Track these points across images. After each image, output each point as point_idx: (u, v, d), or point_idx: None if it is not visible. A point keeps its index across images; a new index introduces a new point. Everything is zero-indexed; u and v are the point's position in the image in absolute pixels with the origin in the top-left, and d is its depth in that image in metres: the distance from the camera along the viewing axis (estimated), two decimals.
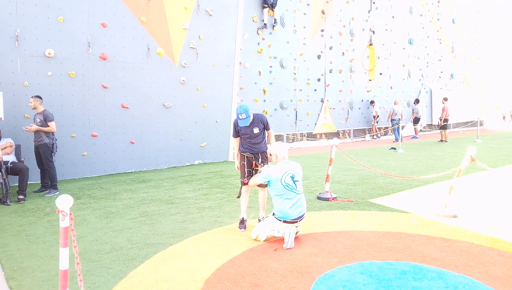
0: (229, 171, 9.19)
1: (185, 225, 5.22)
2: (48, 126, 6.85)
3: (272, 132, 5.27)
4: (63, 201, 2.62)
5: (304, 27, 14.46)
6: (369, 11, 16.93)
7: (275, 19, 13.37)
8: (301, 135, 15.09)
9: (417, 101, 17.67)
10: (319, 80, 15.09)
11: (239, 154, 5.15)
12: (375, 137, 17.23)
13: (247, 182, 5.00)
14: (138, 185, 7.74)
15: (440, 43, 21.31)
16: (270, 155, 4.87)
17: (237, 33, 10.89)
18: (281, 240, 4.52)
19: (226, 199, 6.61)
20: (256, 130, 4.96)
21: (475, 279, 3.54)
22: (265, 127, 5.09)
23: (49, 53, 7.94)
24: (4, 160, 6.55)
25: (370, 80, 17.32)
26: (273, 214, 4.63)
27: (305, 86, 14.66)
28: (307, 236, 4.72)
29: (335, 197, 6.49)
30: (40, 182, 7.33)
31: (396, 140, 15.05)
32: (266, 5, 12.97)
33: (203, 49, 10.22)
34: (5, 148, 6.79)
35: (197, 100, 10.24)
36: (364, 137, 17.15)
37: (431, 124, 21.16)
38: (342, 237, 4.68)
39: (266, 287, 3.43)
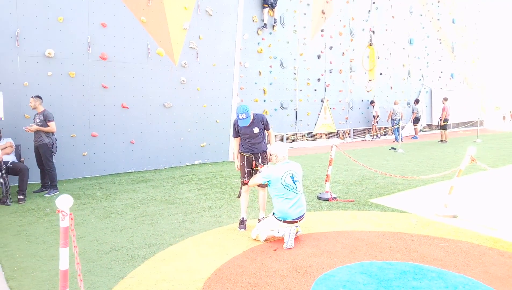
0: (229, 171, 9.19)
1: (185, 225, 5.22)
2: (48, 126, 6.86)
3: (272, 132, 5.27)
4: (63, 201, 2.62)
5: (304, 27, 14.46)
6: (369, 11, 16.93)
7: (275, 19, 13.37)
8: (301, 135, 15.09)
9: (417, 101, 17.68)
10: (319, 80, 15.09)
11: (239, 154, 5.15)
12: (375, 137, 17.23)
13: (247, 182, 5.00)
14: (138, 185, 7.74)
15: (440, 43, 21.31)
16: (270, 155, 4.87)
17: (237, 33, 10.90)
18: (281, 240, 4.52)
19: (226, 199, 6.61)
20: (256, 130, 4.96)
21: (475, 279, 3.54)
22: (265, 127, 5.09)
23: (49, 53, 7.94)
24: (4, 160, 6.55)
25: (370, 80, 17.32)
26: (273, 214, 4.63)
27: (305, 86, 14.66)
28: (307, 236, 4.72)
29: (335, 197, 6.49)
30: (40, 182, 7.33)
31: (396, 140, 15.05)
32: (266, 5, 12.97)
33: (203, 49, 10.22)
34: (5, 148, 6.79)
35: (197, 100, 10.24)
36: (364, 137, 17.16)
37: (431, 124, 21.16)
38: (342, 237, 4.68)
39: (266, 287, 3.43)
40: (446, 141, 15.56)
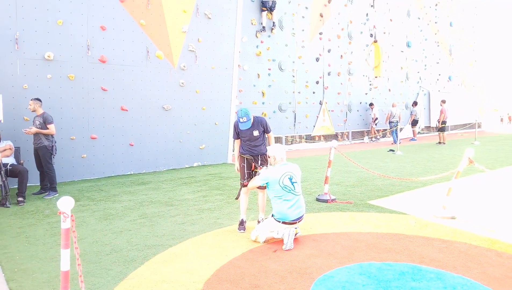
0: (228, 173, 9.21)
1: (184, 226, 5.23)
2: (48, 129, 6.87)
3: (271, 135, 5.29)
4: (65, 203, 2.64)
5: (303, 30, 14.52)
6: (367, 14, 17.01)
7: (273, 22, 13.42)
8: (300, 137, 15.12)
9: (415, 103, 17.74)
10: (317, 82, 15.13)
11: (239, 156, 5.18)
12: (373, 139, 17.28)
13: (247, 184, 5.02)
14: (138, 187, 7.75)
15: (438, 46, 21.40)
16: (268, 157, 4.90)
17: (236, 36, 10.94)
18: (280, 241, 4.54)
19: (225, 200, 6.63)
20: (255, 133, 4.98)
21: (473, 279, 3.57)
22: (265, 130, 5.12)
23: (48, 56, 7.96)
24: (3, 162, 6.56)
25: (376, 77, 17.42)
26: (272, 216, 4.66)
27: (304, 88, 14.70)
28: (306, 237, 4.74)
29: (334, 199, 6.51)
30: (39, 184, 7.34)
31: (395, 142, 15.10)
32: (265, 8, 13.01)
33: (202, 52, 10.26)
34: (5, 150, 6.80)
35: (196, 103, 10.27)
36: (363, 139, 17.20)
37: (429, 126, 21.23)
38: (341, 238, 4.70)
39: (265, 288, 3.44)
40: (444, 143, 15.61)
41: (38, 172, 7.25)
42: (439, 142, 15.77)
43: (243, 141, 5.10)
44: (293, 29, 14.18)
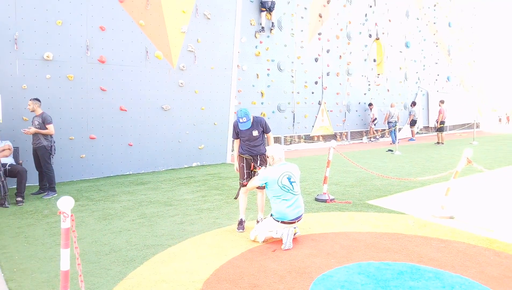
0: (227, 173, 9.22)
1: (183, 226, 5.24)
2: (47, 129, 6.88)
3: (271, 136, 5.30)
4: (65, 203, 2.65)
5: (302, 31, 14.54)
6: (366, 14, 17.04)
7: (272, 23, 13.43)
8: (299, 137, 15.14)
9: (414, 103, 17.77)
10: (316, 83, 15.15)
11: (238, 156, 5.19)
12: (372, 139, 17.31)
13: (246, 184, 5.03)
14: (137, 187, 7.75)
15: (437, 46, 21.44)
16: (267, 157, 4.91)
17: (235, 36, 10.95)
18: (279, 241, 4.55)
19: (225, 200, 6.64)
20: (255, 133, 5.00)
21: (472, 279, 3.58)
22: (264, 130, 5.13)
23: (47, 56, 7.96)
24: (2, 162, 6.56)
25: (378, 74, 17.47)
26: (271, 215, 4.67)
27: (303, 88, 14.72)
28: (305, 237, 4.75)
29: (333, 199, 6.53)
30: (38, 184, 7.34)
31: (393, 142, 15.14)
32: (264, 9, 13.02)
33: (201, 52, 10.26)
34: (4, 150, 6.80)
35: (195, 103, 10.28)
36: (361, 139, 17.23)
37: (428, 127, 21.27)
38: (340, 238, 4.71)
39: (265, 287, 3.45)
40: (442, 143, 15.65)
41: (37, 172, 7.25)
42: (438, 142, 15.80)
43: (242, 141, 5.12)
44: (292, 29, 14.19)
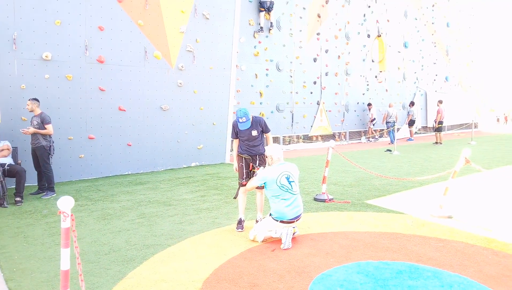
0: (226, 173, 9.23)
1: (183, 226, 5.25)
2: (45, 129, 6.87)
3: (270, 135, 5.31)
4: (65, 202, 2.65)
5: (300, 31, 14.55)
6: (364, 14, 17.07)
7: (271, 23, 13.44)
8: (298, 137, 15.16)
9: (412, 103, 17.81)
10: (315, 83, 15.17)
11: (237, 156, 5.20)
12: (371, 139, 17.34)
13: (245, 184, 5.04)
14: (135, 187, 7.76)
15: (435, 46, 21.49)
16: (266, 157, 4.93)
17: (234, 36, 10.96)
18: (278, 240, 4.56)
19: (224, 200, 6.65)
20: (254, 133, 5.01)
21: (470, 278, 3.60)
22: (263, 130, 5.14)
23: (46, 56, 7.95)
24: (1, 162, 6.56)
25: (380, 71, 17.53)
26: (270, 215, 4.68)
27: (301, 88, 14.74)
28: (304, 236, 4.77)
29: (332, 199, 6.54)
30: (37, 184, 7.33)
31: (392, 142, 15.17)
32: (263, 9, 13.03)
33: (200, 52, 10.27)
34: (2, 150, 6.80)
35: (194, 103, 10.28)
36: (360, 139, 17.25)
37: (426, 127, 21.31)
38: (339, 237, 4.73)
39: (264, 287, 3.46)
40: (441, 143, 15.68)
41: (36, 172, 7.24)
42: (436, 142, 15.83)
43: (241, 141, 5.12)
44: (290, 29, 14.21)
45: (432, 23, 21.13)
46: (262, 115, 13.33)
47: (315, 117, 15.31)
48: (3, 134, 7.40)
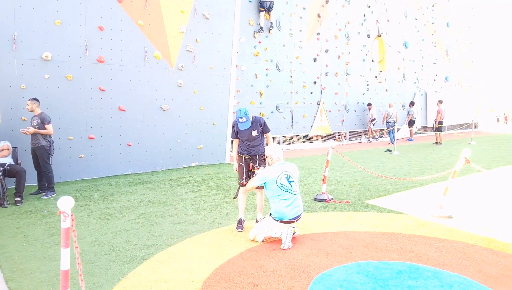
0: (226, 173, 9.23)
1: (183, 226, 5.25)
2: (45, 129, 6.87)
3: (270, 135, 5.31)
4: (65, 202, 2.65)
5: (300, 31, 14.55)
6: (364, 14, 17.07)
7: (271, 23, 13.44)
8: (298, 137, 15.16)
9: (412, 103, 17.81)
10: (315, 83, 15.17)
11: (237, 156, 5.20)
12: (371, 139, 17.34)
13: (245, 184, 5.04)
14: (135, 187, 7.76)
15: (435, 46, 21.49)
16: (266, 157, 4.93)
17: (234, 37, 10.96)
18: (278, 241, 4.56)
19: (224, 200, 6.65)
20: (254, 133, 5.01)
21: (470, 278, 3.60)
22: (263, 130, 5.14)
23: (46, 56, 7.95)
24: (1, 162, 6.56)
25: (380, 71, 17.54)
26: (270, 215, 4.68)
27: (301, 88, 14.74)
28: (304, 236, 4.77)
29: (332, 199, 6.54)
30: (37, 184, 7.33)
31: (392, 142, 15.17)
32: (263, 9, 13.04)
33: (200, 52, 10.27)
34: (2, 150, 6.80)
35: (194, 103, 10.28)
36: (360, 139, 17.25)
37: (426, 127, 21.31)
38: (339, 237, 4.73)
39: (264, 286, 3.47)
40: (441, 143, 15.68)
41: (36, 172, 7.24)
42: (436, 142, 15.83)
43: (241, 141, 5.12)
44: (290, 29, 14.21)
45: (432, 23, 21.13)
46: (262, 115, 13.33)
47: (315, 117, 15.32)
48: (3, 134, 7.40)
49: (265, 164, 5.08)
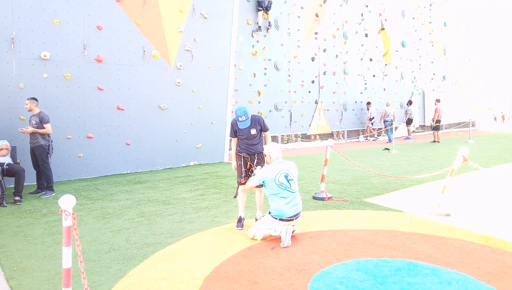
0: (224, 172, 9.24)
1: (182, 225, 5.26)
2: (44, 128, 6.87)
3: (268, 134, 5.33)
4: (66, 201, 2.66)
5: (298, 30, 14.57)
6: (362, 14, 17.10)
7: (269, 22, 13.46)
8: (296, 136, 15.18)
9: (410, 102, 17.87)
10: (313, 82, 15.20)
11: (236, 155, 5.22)
12: (369, 138, 17.39)
13: (244, 182, 5.06)
14: (134, 186, 7.76)
15: (432, 45, 21.56)
16: (265, 155, 4.95)
17: (232, 36, 10.97)
18: (278, 239, 4.58)
19: (223, 199, 6.67)
20: (253, 131, 5.03)
21: (468, 275, 3.63)
22: (262, 128, 5.15)
23: (44, 56, 7.95)
24: (0, 161, 6.55)
25: (386, 64, 17.60)
26: (269, 213, 4.70)
27: (299, 88, 14.76)
28: (304, 235, 4.79)
29: (331, 197, 6.57)
30: (36, 183, 7.33)
31: (390, 141, 15.22)
32: (261, 8, 13.05)
33: (198, 52, 10.28)
34: (1, 150, 6.79)
35: (192, 102, 10.29)
36: (358, 138, 17.30)
37: (424, 125, 21.38)
38: (338, 235, 4.75)
39: (264, 284, 3.49)
40: (438, 142, 15.74)
41: (35, 172, 7.24)
42: (434, 141, 15.90)
43: (240, 140, 5.14)
44: (288, 28, 14.23)
45: (430, 23, 21.20)
46: (261, 114, 13.34)
47: (313, 116, 15.35)
48: (2, 133, 7.40)
49: (263, 163, 5.10)
